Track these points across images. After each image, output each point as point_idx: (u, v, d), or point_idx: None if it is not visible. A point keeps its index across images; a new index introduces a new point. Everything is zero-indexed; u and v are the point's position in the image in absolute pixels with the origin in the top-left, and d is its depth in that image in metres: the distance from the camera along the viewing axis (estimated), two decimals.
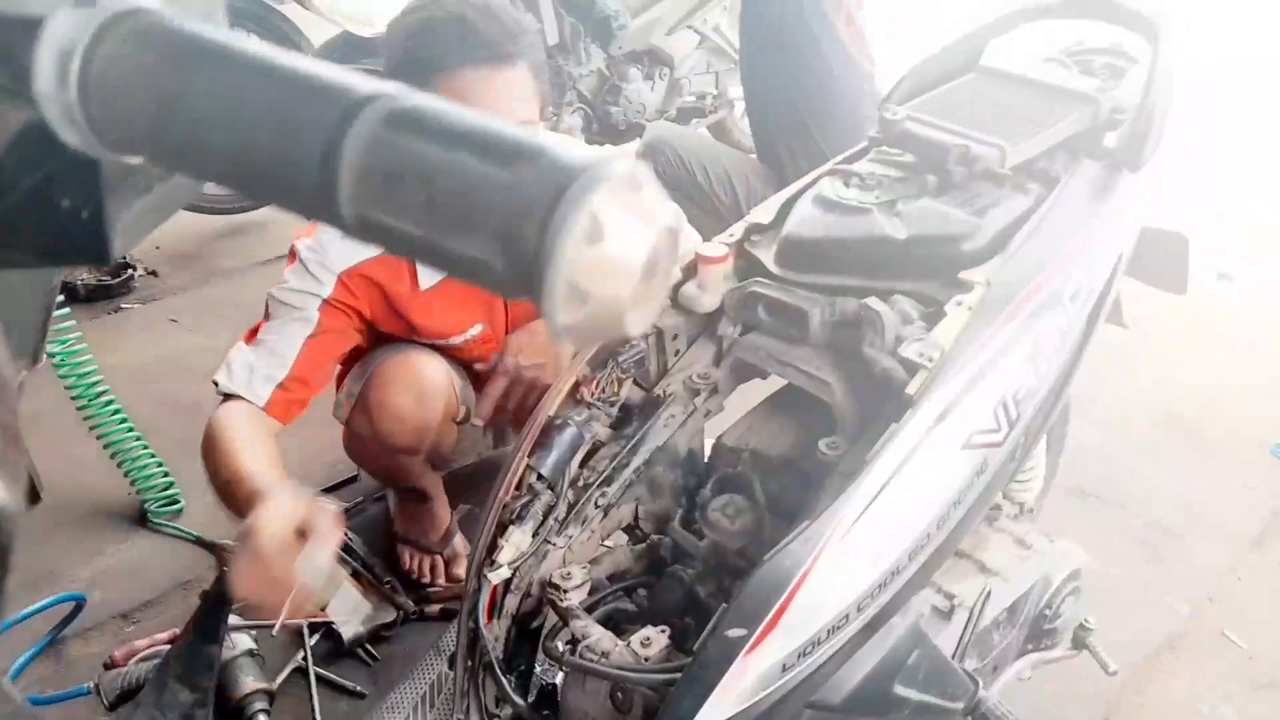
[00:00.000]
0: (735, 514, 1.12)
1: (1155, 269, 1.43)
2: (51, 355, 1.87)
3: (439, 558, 1.88)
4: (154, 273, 3.09)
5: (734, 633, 0.88)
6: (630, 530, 1.24)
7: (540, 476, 1.12)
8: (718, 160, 2.43)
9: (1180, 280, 1.44)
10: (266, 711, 1.56)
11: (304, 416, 1.57)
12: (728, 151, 2.63)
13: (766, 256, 1.18)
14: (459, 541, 1.91)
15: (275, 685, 1.64)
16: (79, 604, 1.80)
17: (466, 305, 1.68)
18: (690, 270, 1.19)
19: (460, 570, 1.87)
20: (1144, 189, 1.23)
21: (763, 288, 1.14)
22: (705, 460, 1.23)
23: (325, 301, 1.53)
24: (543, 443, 1.14)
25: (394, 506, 1.98)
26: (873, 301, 1.03)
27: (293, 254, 1.56)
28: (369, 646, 1.76)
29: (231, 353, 1.52)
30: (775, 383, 1.21)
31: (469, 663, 1.13)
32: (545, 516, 1.11)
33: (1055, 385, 1.11)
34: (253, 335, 1.54)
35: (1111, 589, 1.89)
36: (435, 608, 1.83)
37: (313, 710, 1.64)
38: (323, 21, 3.24)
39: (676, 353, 1.21)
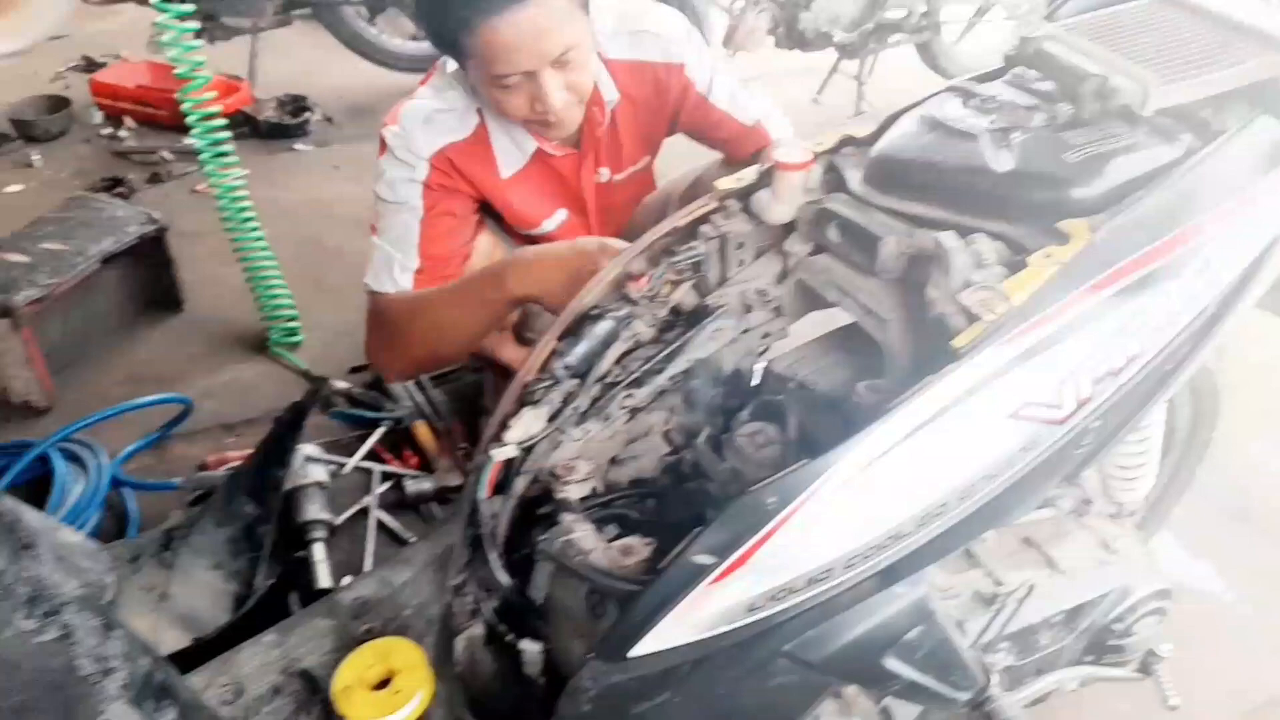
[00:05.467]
0: (763, 444, 1.04)
1: None
2: (214, 185, 1.99)
3: None
4: (330, 119, 3.22)
5: (701, 559, 0.82)
6: (666, 439, 1.18)
7: (566, 365, 1.07)
8: None
9: None
10: (325, 541, 1.65)
11: None
12: None
13: (854, 174, 1.06)
14: None
15: (338, 520, 1.73)
16: (187, 408, 1.94)
17: (548, 192, 1.66)
18: (767, 176, 1.08)
19: None
20: None
21: (839, 206, 1.03)
22: (751, 383, 1.15)
23: (424, 185, 1.52)
24: (574, 331, 1.09)
25: (486, 381, 2.00)
26: (945, 237, 0.90)
27: (383, 144, 1.54)
28: (431, 505, 1.81)
29: (372, 252, 1.57)
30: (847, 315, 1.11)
31: (468, 534, 1.12)
32: (564, 405, 1.08)
33: (1156, 372, 0.95)
34: (373, 230, 1.58)
35: (1241, 629, 1.69)
36: None
37: (364, 551, 1.71)
38: None
39: (740, 263, 1.12)
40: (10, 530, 0.71)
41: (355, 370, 2.10)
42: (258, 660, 1.15)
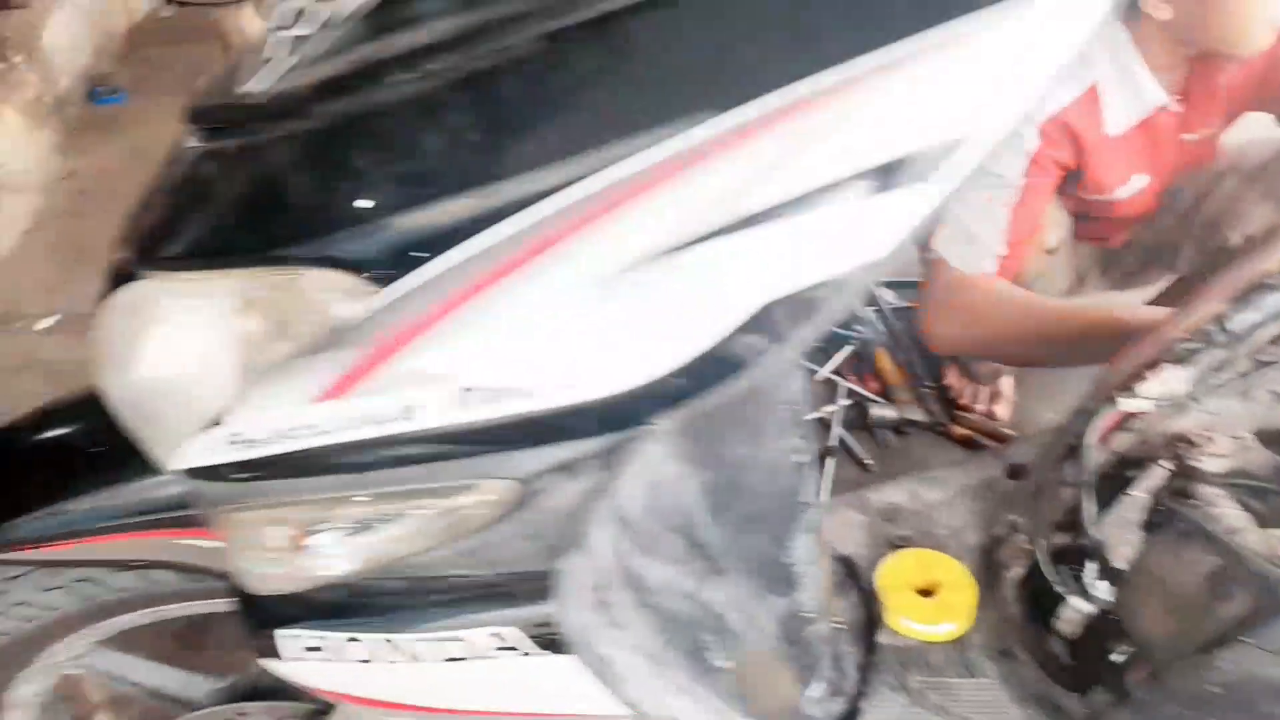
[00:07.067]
0: None
1: None
2: None
3: (983, 388, 1.84)
4: None
5: None
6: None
7: (1228, 331, 1.00)
8: None
9: None
10: None
11: None
12: None
13: None
14: (1007, 381, 1.83)
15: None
16: None
17: (1138, 154, 1.52)
18: None
19: (999, 409, 1.81)
20: None
21: None
22: None
23: (1030, 158, 1.40)
24: (1245, 298, 1.00)
25: None
26: None
27: None
28: (887, 432, 1.81)
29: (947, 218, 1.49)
30: None
31: (1049, 475, 1.09)
32: (1209, 373, 1.00)
33: None
34: None
35: None
36: (959, 430, 1.81)
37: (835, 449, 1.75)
38: None
39: None
40: None
41: None
42: None
